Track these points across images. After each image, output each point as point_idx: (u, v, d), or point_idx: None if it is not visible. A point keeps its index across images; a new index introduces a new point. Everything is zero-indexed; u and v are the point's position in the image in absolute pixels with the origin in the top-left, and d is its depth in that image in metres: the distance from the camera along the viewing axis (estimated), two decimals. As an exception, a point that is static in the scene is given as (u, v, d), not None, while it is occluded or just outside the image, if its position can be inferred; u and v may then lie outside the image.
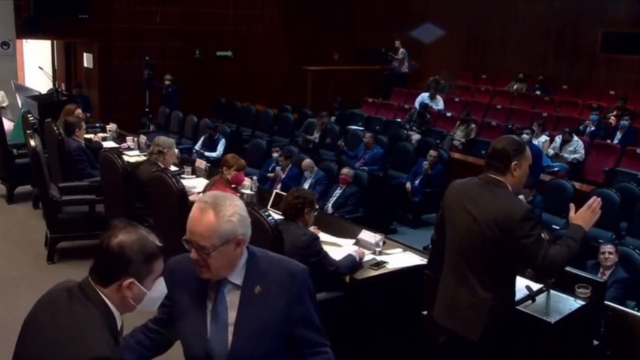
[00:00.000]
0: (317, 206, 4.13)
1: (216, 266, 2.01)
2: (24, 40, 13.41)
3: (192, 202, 2.16)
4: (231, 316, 2.06)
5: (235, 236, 2.00)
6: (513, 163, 2.82)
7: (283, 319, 2.05)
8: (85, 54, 13.22)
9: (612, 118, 10.21)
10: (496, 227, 2.75)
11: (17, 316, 4.94)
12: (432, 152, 8.58)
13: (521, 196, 6.31)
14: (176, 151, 6.01)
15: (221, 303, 2.07)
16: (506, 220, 2.73)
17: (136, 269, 1.84)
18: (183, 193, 4.37)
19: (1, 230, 6.55)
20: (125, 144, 7.57)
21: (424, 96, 12.05)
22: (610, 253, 5.15)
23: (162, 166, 5.30)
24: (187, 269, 2.09)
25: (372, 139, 9.22)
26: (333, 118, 11.66)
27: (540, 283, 3.14)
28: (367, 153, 9.19)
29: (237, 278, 2.07)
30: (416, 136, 10.20)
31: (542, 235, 2.80)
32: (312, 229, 4.13)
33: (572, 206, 2.92)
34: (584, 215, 2.87)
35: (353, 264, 4.00)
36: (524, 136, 8.52)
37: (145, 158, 6.46)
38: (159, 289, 1.94)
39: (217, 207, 1.98)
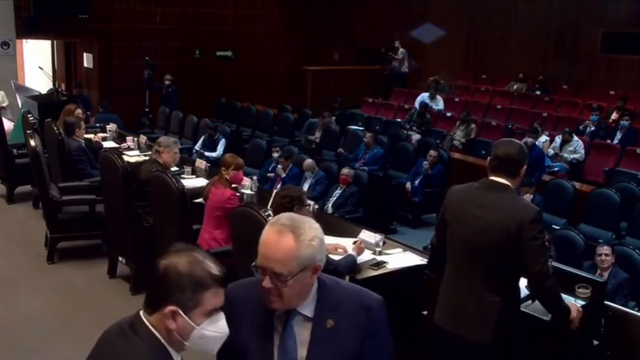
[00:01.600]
0: (308, 202, 4.10)
1: (289, 295, 1.80)
2: (24, 40, 13.41)
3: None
4: (301, 352, 1.85)
5: (314, 262, 1.81)
6: (524, 167, 2.93)
7: (355, 354, 1.87)
8: (85, 54, 13.23)
9: (613, 117, 10.21)
10: (507, 229, 2.77)
11: (17, 316, 4.98)
12: (432, 152, 8.58)
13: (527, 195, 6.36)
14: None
15: (290, 337, 1.85)
16: (517, 222, 2.75)
17: (180, 296, 1.59)
18: (183, 193, 4.37)
19: (1, 230, 6.55)
20: (125, 144, 7.57)
21: (424, 96, 12.06)
22: (606, 255, 5.12)
23: (162, 164, 5.30)
24: (249, 297, 1.88)
25: (373, 139, 9.22)
26: (333, 118, 11.67)
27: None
28: (367, 153, 9.19)
29: (307, 310, 1.86)
30: (416, 136, 10.20)
31: (546, 241, 2.83)
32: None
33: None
34: (577, 310, 2.99)
35: (352, 263, 4.00)
36: (529, 139, 8.49)
37: (144, 158, 6.48)
38: (216, 327, 1.67)
39: (297, 230, 1.79)
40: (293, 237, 1.78)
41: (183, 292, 1.59)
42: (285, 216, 1.85)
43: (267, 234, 1.80)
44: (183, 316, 1.60)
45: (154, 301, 1.63)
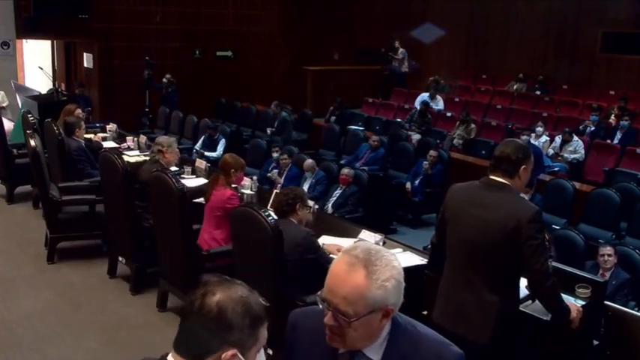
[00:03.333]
0: (309, 203, 4.12)
1: (353, 337, 1.60)
2: (24, 40, 13.41)
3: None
4: None
5: (385, 305, 1.59)
6: (522, 168, 2.88)
7: None
8: (85, 54, 13.22)
9: (613, 117, 10.22)
10: (505, 229, 2.77)
11: (17, 316, 4.97)
12: (432, 152, 8.58)
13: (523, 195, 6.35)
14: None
15: None
16: (515, 221, 2.75)
17: (238, 337, 1.41)
18: (183, 193, 4.37)
19: (1, 230, 6.54)
20: (125, 144, 7.57)
21: (424, 96, 12.06)
22: (609, 255, 5.12)
23: (164, 165, 5.30)
24: (314, 328, 1.69)
25: (380, 142, 9.23)
26: (333, 118, 11.68)
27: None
28: (368, 153, 9.19)
29: (374, 353, 1.66)
30: (416, 136, 10.21)
31: (546, 241, 2.83)
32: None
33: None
34: (577, 310, 3.00)
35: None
36: (524, 137, 8.53)
37: (144, 158, 6.47)
38: None
39: (371, 266, 1.57)
40: (365, 273, 1.56)
41: (242, 332, 1.41)
42: (362, 246, 1.63)
43: (338, 264, 1.60)
44: (242, 358, 1.42)
45: (204, 346, 1.40)
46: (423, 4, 14.73)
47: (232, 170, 4.83)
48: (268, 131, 11.00)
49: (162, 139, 5.73)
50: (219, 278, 1.45)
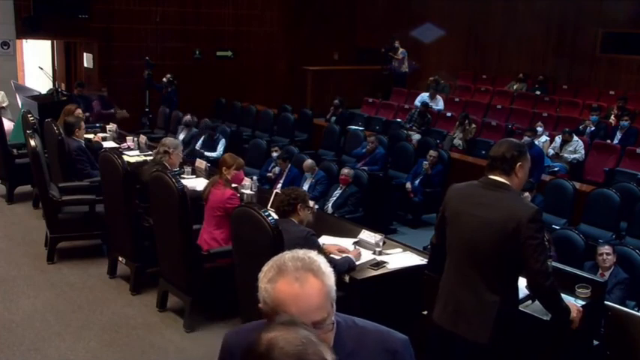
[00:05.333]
0: (311, 203, 4.12)
1: (328, 341, 1.54)
2: (24, 40, 13.41)
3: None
4: None
5: (334, 290, 1.58)
6: (518, 165, 2.88)
7: None
8: (85, 54, 13.23)
9: (613, 117, 10.23)
10: (505, 228, 2.77)
11: (17, 316, 4.97)
12: (432, 152, 8.58)
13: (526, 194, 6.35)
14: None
15: None
16: (515, 221, 2.75)
17: None
18: (184, 193, 4.36)
19: (1, 230, 6.54)
20: (125, 144, 7.57)
21: (424, 96, 12.07)
22: (608, 254, 5.13)
23: (167, 166, 5.30)
24: None
25: (377, 141, 9.23)
26: (333, 118, 11.68)
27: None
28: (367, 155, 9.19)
29: None
30: (416, 136, 10.21)
31: (546, 241, 2.83)
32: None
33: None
34: (577, 310, 2.99)
35: (350, 265, 4.01)
36: (526, 138, 8.52)
37: (144, 158, 6.47)
38: None
39: (312, 267, 1.55)
40: (313, 276, 1.53)
41: None
42: (288, 260, 1.57)
43: (287, 288, 1.52)
44: None
45: None
46: (423, 4, 14.74)
47: (224, 168, 4.82)
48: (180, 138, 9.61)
49: (169, 140, 5.71)
50: (290, 320, 1.33)
